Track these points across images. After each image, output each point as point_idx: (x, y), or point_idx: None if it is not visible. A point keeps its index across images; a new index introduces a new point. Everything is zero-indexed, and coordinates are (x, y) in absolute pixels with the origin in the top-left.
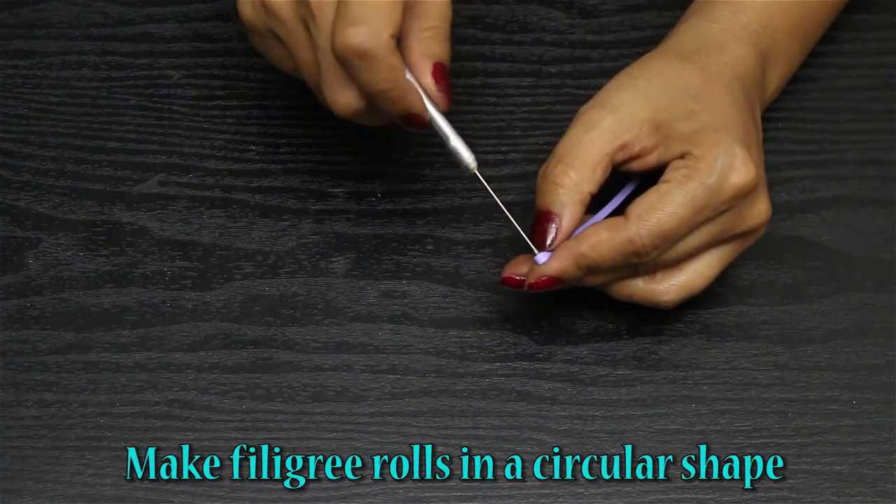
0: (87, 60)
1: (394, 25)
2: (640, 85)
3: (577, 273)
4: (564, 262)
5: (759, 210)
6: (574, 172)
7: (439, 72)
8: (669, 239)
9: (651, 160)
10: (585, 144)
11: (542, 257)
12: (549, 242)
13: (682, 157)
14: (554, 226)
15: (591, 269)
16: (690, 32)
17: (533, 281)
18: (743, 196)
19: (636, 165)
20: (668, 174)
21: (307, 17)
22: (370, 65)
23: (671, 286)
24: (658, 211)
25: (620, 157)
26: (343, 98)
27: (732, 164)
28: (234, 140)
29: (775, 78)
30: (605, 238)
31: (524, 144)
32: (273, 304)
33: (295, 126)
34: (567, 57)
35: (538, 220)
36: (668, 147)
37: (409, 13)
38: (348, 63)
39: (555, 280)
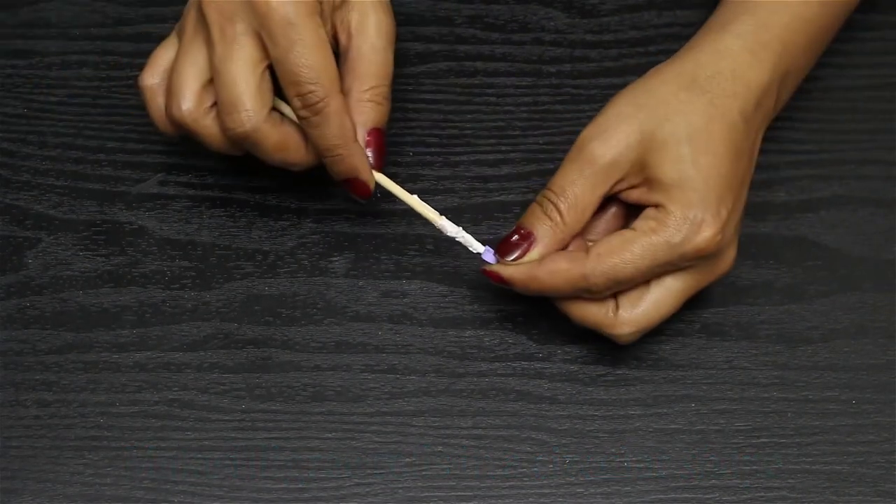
0: (86, 60)
1: (266, 100)
2: (641, 117)
3: (524, 289)
4: (519, 275)
5: (724, 264)
6: (567, 216)
7: (373, 138)
8: (623, 284)
9: (632, 196)
10: (581, 186)
11: (488, 254)
12: (511, 258)
13: (656, 206)
14: (524, 247)
15: (540, 292)
16: (710, 50)
17: (486, 268)
18: (704, 256)
19: (620, 196)
20: (638, 221)
21: None
22: (253, 144)
23: (629, 318)
24: (617, 256)
25: (610, 192)
26: None
27: (699, 230)
28: None
29: (786, 94)
30: (562, 268)
31: (524, 144)
32: (273, 303)
33: None
34: (566, 56)
35: (516, 233)
36: (650, 191)
37: (347, 66)
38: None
39: (503, 281)
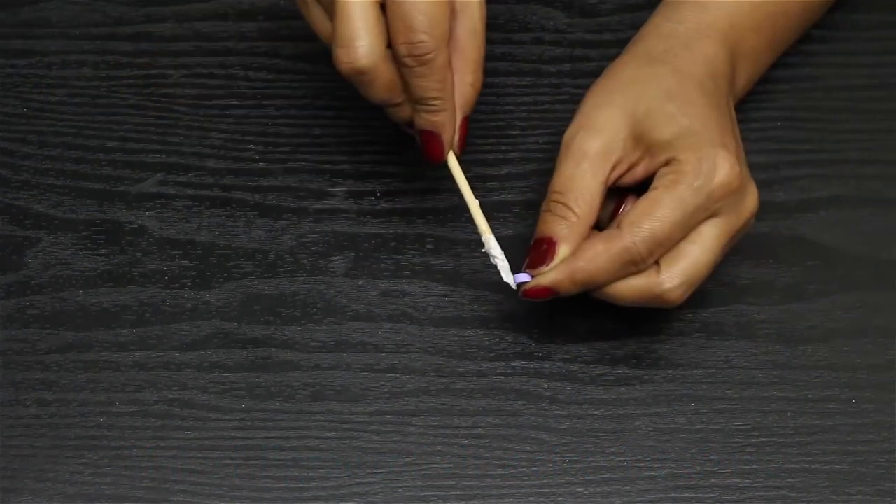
0: (86, 60)
1: (383, 36)
2: (617, 100)
3: (570, 287)
4: (559, 274)
5: (750, 202)
6: (577, 209)
7: (464, 125)
8: (665, 244)
9: (638, 172)
10: (579, 178)
11: (522, 276)
12: (547, 267)
13: (667, 163)
14: (552, 252)
15: (586, 283)
16: (656, 34)
17: (527, 288)
18: (732, 193)
19: (626, 179)
20: (655, 182)
21: None
22: (365, 83)
23: (674, 274)
24: (650, 217)
25: (612, 177)
26: None
27: (716, 164)
28: (233, 139)
29: (744, 74)
30: (600, 250)
31: (524, 144)
32: (272, 303)
33: (294, 125)
34: (566, 56)
35: (538, 244)
36: (653, 157)
37: (451, 44)
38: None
39: (548, 290)
